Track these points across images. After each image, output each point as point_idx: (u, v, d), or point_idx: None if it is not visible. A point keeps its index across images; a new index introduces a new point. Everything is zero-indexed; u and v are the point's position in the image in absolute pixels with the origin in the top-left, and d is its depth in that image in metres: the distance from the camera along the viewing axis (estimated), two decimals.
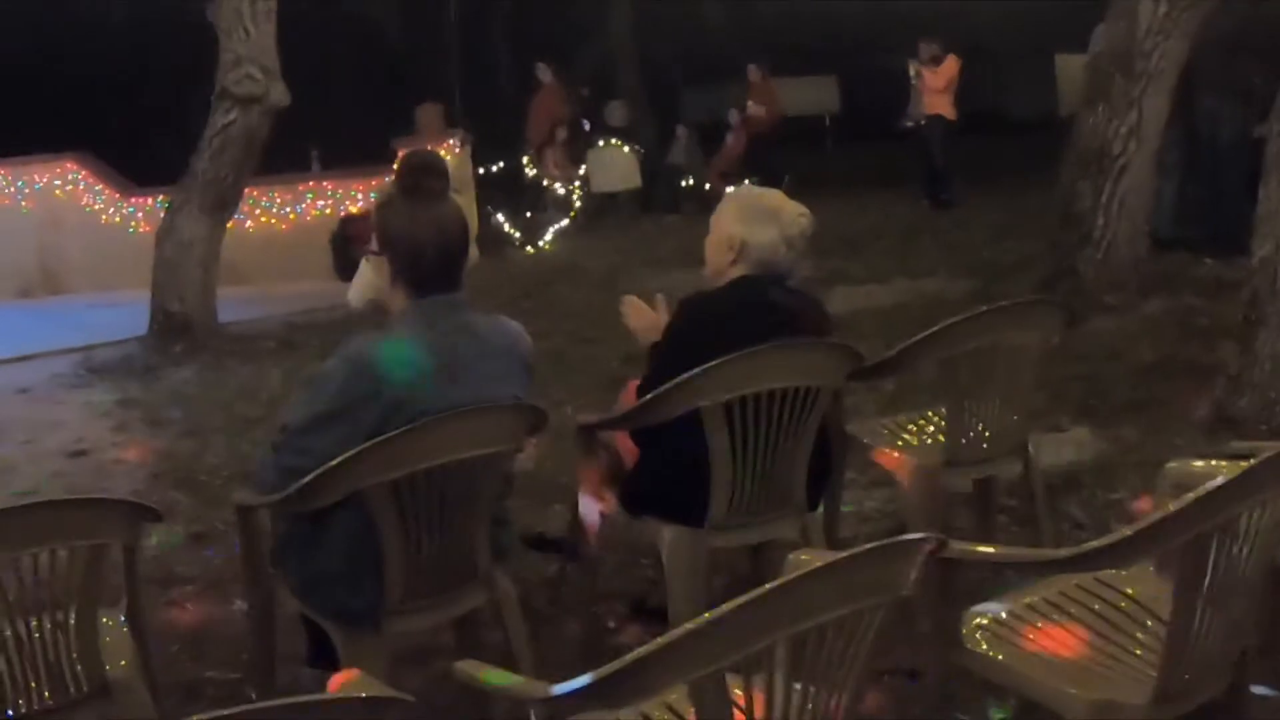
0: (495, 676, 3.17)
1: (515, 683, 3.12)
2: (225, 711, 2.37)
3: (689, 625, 2.67)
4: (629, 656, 2.65)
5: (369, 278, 4.78)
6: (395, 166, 4.79)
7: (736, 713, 2.98)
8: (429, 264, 4.54)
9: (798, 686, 2.99)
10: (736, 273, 5.34)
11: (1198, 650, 3.63)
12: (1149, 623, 4.06)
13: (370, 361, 4.40)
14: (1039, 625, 4.09)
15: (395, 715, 2.63)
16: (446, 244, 4.57)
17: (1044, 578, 4.33)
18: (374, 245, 4.64)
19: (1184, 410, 8.66)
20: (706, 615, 2.68)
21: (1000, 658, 3.94)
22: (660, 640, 2.66)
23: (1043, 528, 6.26)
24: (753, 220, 5.32)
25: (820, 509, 5.79)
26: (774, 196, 5.48)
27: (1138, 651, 3.95)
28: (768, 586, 2.75)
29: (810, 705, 3.04)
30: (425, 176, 4.61)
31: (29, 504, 4.36)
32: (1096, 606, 4.18)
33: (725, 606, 2.69)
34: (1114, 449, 8.07)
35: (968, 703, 4.88)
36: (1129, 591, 4.23)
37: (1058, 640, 4.02)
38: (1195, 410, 8.54)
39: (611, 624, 6.13)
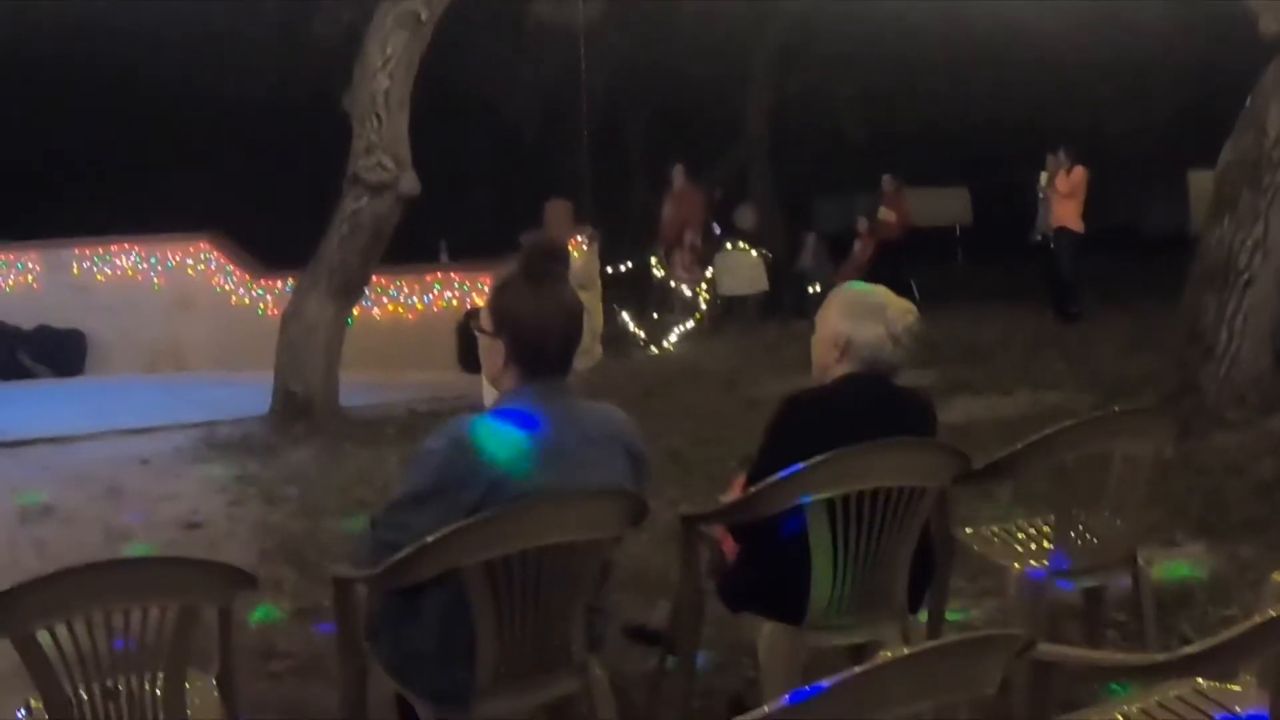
0: None
1: None
2: None
3: (761, 711, 2.61)
4: None
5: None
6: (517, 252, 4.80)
7: None
8: (546, 348, 4.58)
9: None
10: (843, 370, 5.31)
11: None
12: None
13: (472, 440, 4.41)
14: None
15: None
16: (565, 329, 4.61)
17: (1143, 687, 4.24)
18: (486, 324, 4.65)
19: None
20: (780, 703, 2.62)
21: None
22: None
23: (1150, 642, 6.14)
24: (858, 317, 5.30)
25: (924, 614, 5.73)
26: (879, 293, 5.45)
27: None
28: (845, 674, 2.69)
29: None
30: (548, 261, 4.64)
31: (124, 559, 4.41)
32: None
33: (800, 694, 2.64)
34: (1230, 566, 7.93)
35: None
36: (1234, 708, 4.13)
37: None
38: None
39: None
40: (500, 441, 4.41)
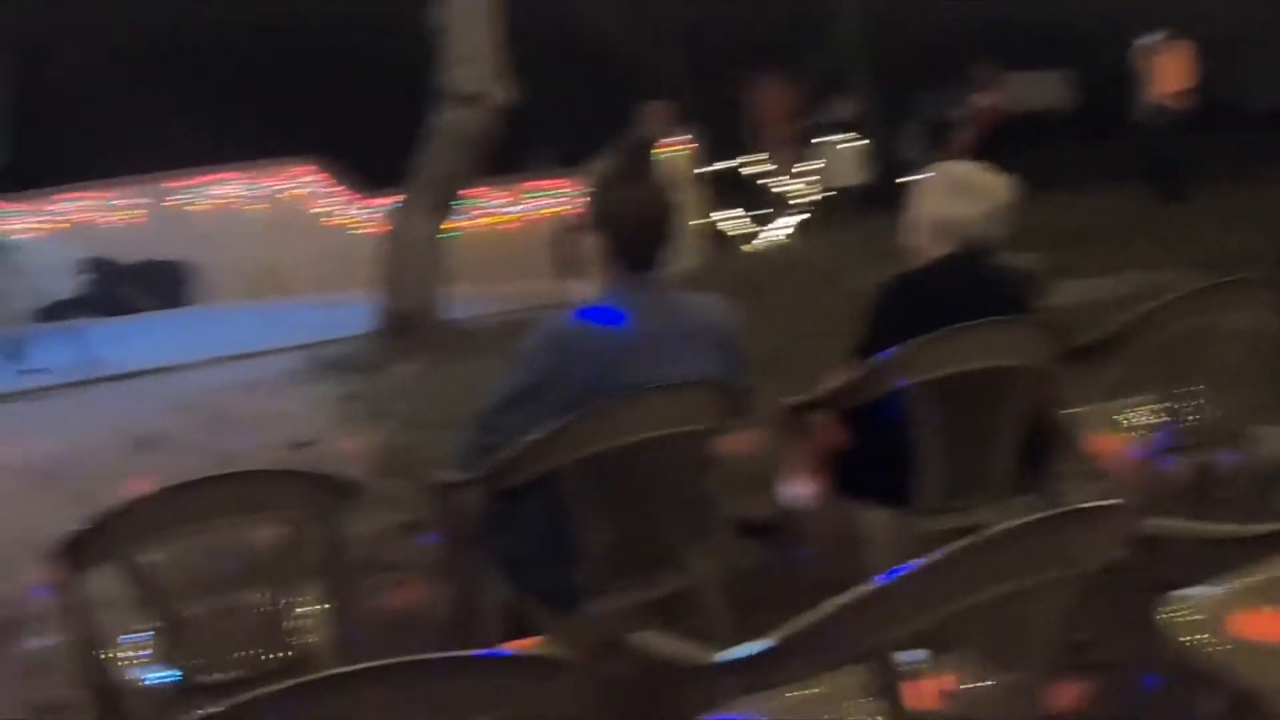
0: (665, 644, 3.11)
1: (681, 650, 3.06)
2: (387, 661, 2.34)
3: (862, 589, 2.58)
4: (795, 623, 2.57)
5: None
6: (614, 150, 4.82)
7: (913, 691, 2.88)
8: (641, 243, 4.59)
9: (984, 667, 2.89)
10: (940, 251, 5.25)
11: None
12: None
13: (566, 339, 4.43)
14: (1254, 611, 3.92)
15: (567, 680, 2.55)
16: (660, 225, 4.62)
17: (1256, 560, 4.16)
18: (582, 221, 4.66)
19: None
20: (882, 580, 2.59)
21: (1209, 647, 3.78)
22: (830, 605, 2.57)
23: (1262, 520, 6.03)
24: (953, 196, 5.24)
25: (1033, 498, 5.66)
26: (973, 171, 5.38)
27: None
28: (947, 549, 2.65)
29: (993, 687, 2.93)
30: (640, 159, 4.66)
31: (229, 473, 4.39)
32: None
33: (902, 570, 2.60)
34: None
35: (1174, 696, 4.72)
36: None
37: (1275, 627, 3.85)
38: None
39: None
40: (594, 338, 4.40)
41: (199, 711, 2.21)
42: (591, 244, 4.63)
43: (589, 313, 4.52)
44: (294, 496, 4.23)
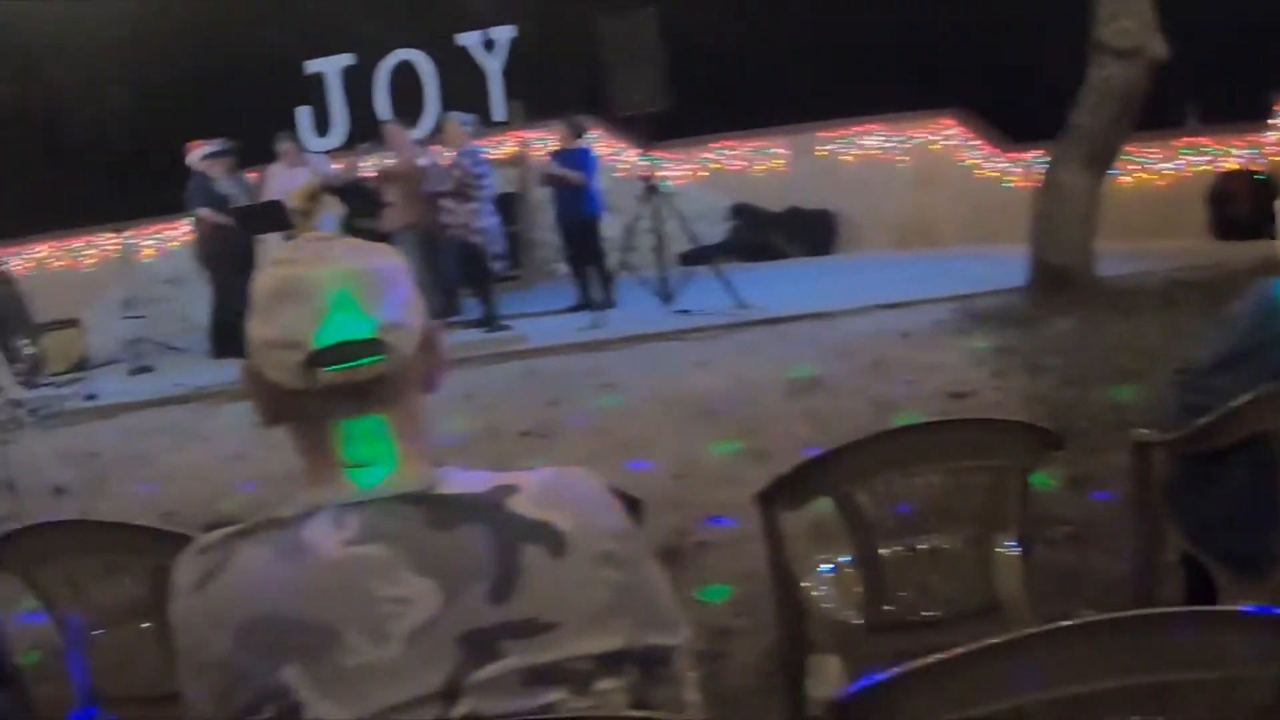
0: None
1: None
2: (1114, 615, 2.40)
3: None
4: None
5: None
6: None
7: None
8: None
9: None
10: None
11: None
12: None
13: (1276, 304, 4.39)
14: None
15: None
16: None
17: None
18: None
19: None
20: None
21: None
22: None
23: None
24: None
25: None
26: None
27: None
28: None
29: None
30: None
31: (933, 421, 4.55)
32: None
33: None
34: None
35: None
36: None
37: None
38: None
39: None
40: None
41: (939, 655, 2.30)
42: None
43: None
44: (1006, 446, 4.36)
